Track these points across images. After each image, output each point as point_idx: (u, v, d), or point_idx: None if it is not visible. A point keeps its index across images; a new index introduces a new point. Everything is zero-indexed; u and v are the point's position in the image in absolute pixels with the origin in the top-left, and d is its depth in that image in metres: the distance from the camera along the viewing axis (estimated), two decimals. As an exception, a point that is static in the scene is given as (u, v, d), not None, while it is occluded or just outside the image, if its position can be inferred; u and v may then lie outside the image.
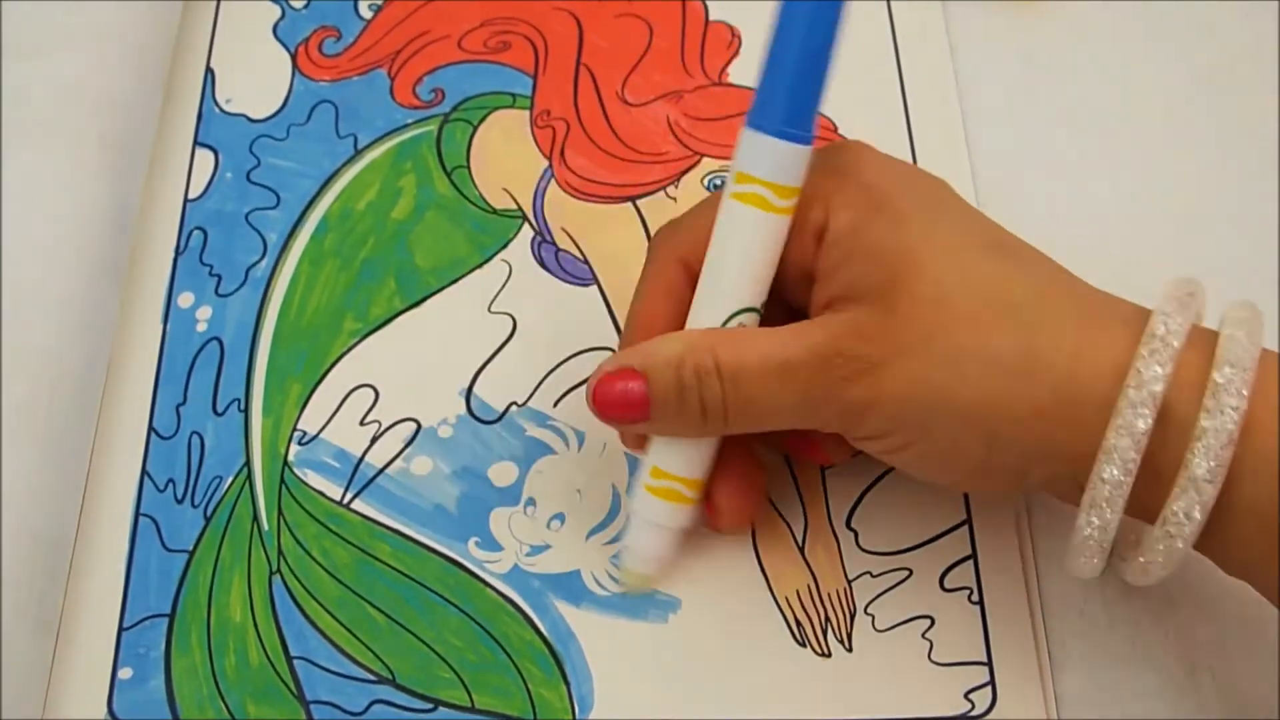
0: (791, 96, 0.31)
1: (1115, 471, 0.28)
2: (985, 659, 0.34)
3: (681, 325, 0.33)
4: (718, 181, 0.42)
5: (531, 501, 0.37)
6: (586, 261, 0.41)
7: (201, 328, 0.40)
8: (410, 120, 0.43)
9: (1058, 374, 0.29)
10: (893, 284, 0.30)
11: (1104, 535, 0.29)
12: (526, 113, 0.44)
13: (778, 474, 0.37)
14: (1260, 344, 0.29)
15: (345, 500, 0.37)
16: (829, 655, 0.35)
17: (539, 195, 0.42)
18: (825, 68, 0.31)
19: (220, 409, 0.38)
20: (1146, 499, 0.29)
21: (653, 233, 0.41)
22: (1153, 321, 0.29)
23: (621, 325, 0.39)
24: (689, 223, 0.33)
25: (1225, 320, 0.29)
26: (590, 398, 0.32)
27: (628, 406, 0.32)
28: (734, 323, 0.32)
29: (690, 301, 0.33)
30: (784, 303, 0.33)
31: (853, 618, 0.35)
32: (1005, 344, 0.29)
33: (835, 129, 0.43)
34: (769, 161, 0.31)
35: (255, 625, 0.35)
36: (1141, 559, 0.30)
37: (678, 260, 0.33)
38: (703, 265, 0.32)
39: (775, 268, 0.32)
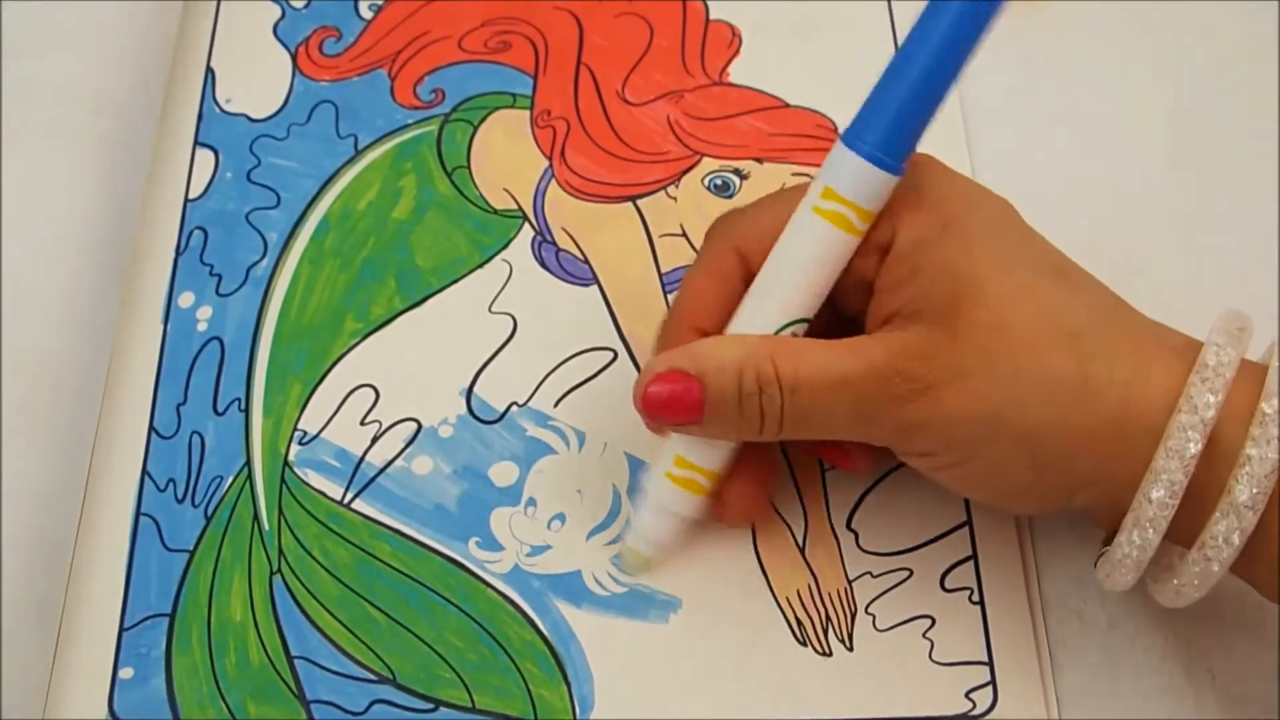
0: (897, 122, 0.30)
1: (1162, 493, 0.29)
2: (986, 658, 0.34)
3: (728, 312, 0.33)
4: (718, 181, 0.42)
5: (532, 501, 0.37)
6: (587, 261, 0.41)
7: (202, 327, 0.40)
8: (411, 120, 0.43)
9: (1111, 401, 0.29)
10: (955, 305, 0.30)
11: (1143, 555, 0.30)
12: (527, 112, 0.44)
13: (778, 475, 0.37)
14: None
15: (346, 500, 0.37)
16: (830, 655, 0.35)
17: (539, 195, 0.42)
18: (940, 99, 0.30)
19: (221, 409, 0.38)
20: (1187, 523, 0.29)
21: (653, 232, 0.41)
22: (1205, 352, 0.29)
23: (622, 324, 0.40)
24: (753, 215, 0.34)
25: (1272, 352, 0.30)
26: (639, 398, 0.32)
27: (682, 410, 0.32)
28: (787, 330, 0.32)
29: (740, 291, 0.33)
30: (832, 306, 0.33)
31: (854, 617, 0.35)
32: (1062, 370, 0.30)
33: (835, 129, 0.43)
34: (861, 185, 0.31)
35: (256, 625, 0.35)
36: (1176, 581, 0.30)
37: (735, 249, 0.33)
38: (764, 264, 0.32)
39: (832, 285, 0.32)
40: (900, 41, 0.44)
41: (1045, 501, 0.31)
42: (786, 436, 0.32)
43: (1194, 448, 0.28)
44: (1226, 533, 0.29)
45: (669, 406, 0.32)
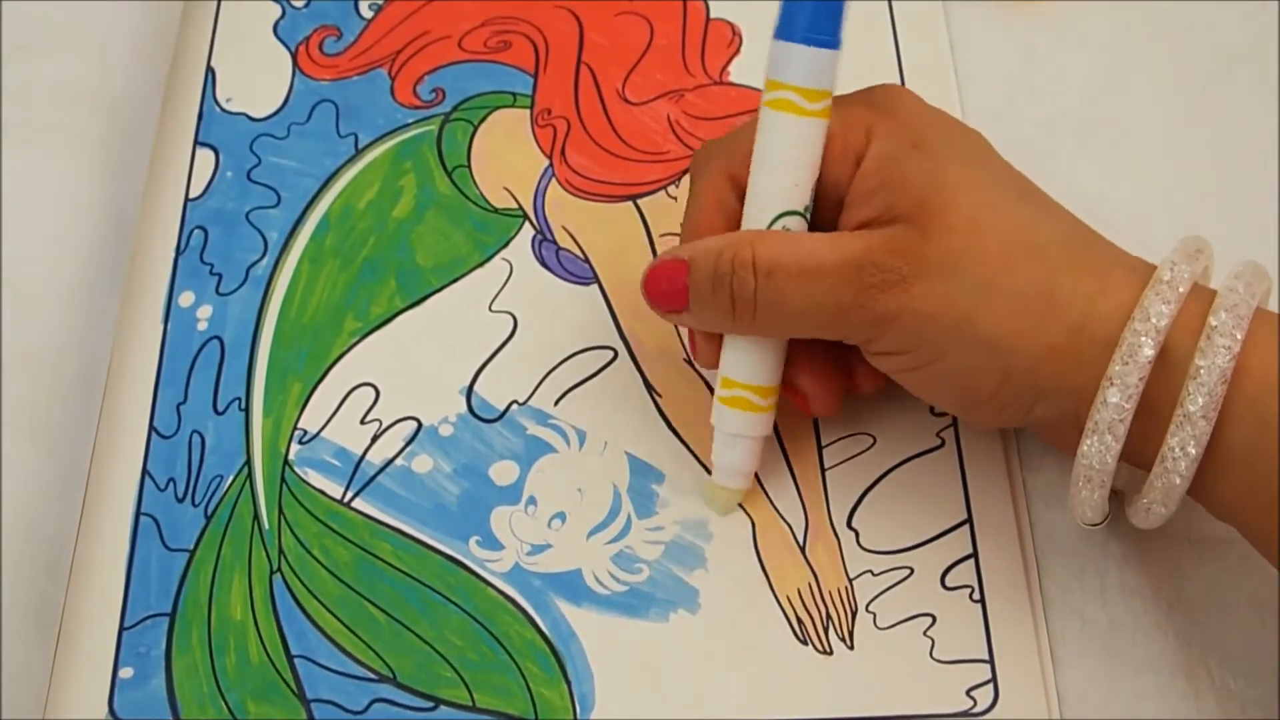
0: (814, 5, 0.32)
1: (1117, 397, 0.30)
2: (987, 656, 0.34)
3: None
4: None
5: (532, 500, 0.37)
6: (587, 260, 0.41)
7: (202, 327, 0.40)
8: (411, 119, 0.43)
9: (1074, 314, 0.31)
10: (926, 211, 0.31)
11: (1104, 464, 0.31)
12: (527, 112, 0.44)
13: (778, 475, 0.37)
14: (1258, 296, 0.30)
15: (346, 499, 0.37)
16: (831, 653, 0.35)
17: (540, 194, 0.42)
18: None
19: (221, 408, 0.38)
20: (1145, 442, 0.31)
21: (654, 231, 0.41)
22: (1161, 268, 0.31)
23: (622, 324, 0.40)
24: (732, 139, 0.34)
25: (1229, 274, 0.31)
26: (642, 285, 0.34)
27: (672, 295, 0.33)
28: (778, 224, 0.33)
29: (739, 213, 0.34)
30: (816, 225, 0.34)
31: (854, 616, 0.35)
32: (1029, 281, 0.31)
33: (836, 128, 0.43)
34: (795, 66, 0.32)
35: (256, 624, 0.35)
36: (1144, 500, 0.31)
37: (725, 175, 0.34)
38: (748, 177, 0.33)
39: (815, 172, 0.33)
40: (899, 41, 0.45)
41: (1005, 410, 0.32)
42: (762, 325, 0.33)
43: (1147, 352, 0.29)
44: (1182, 443, 0.30)
45: (662, 290, 0.33)
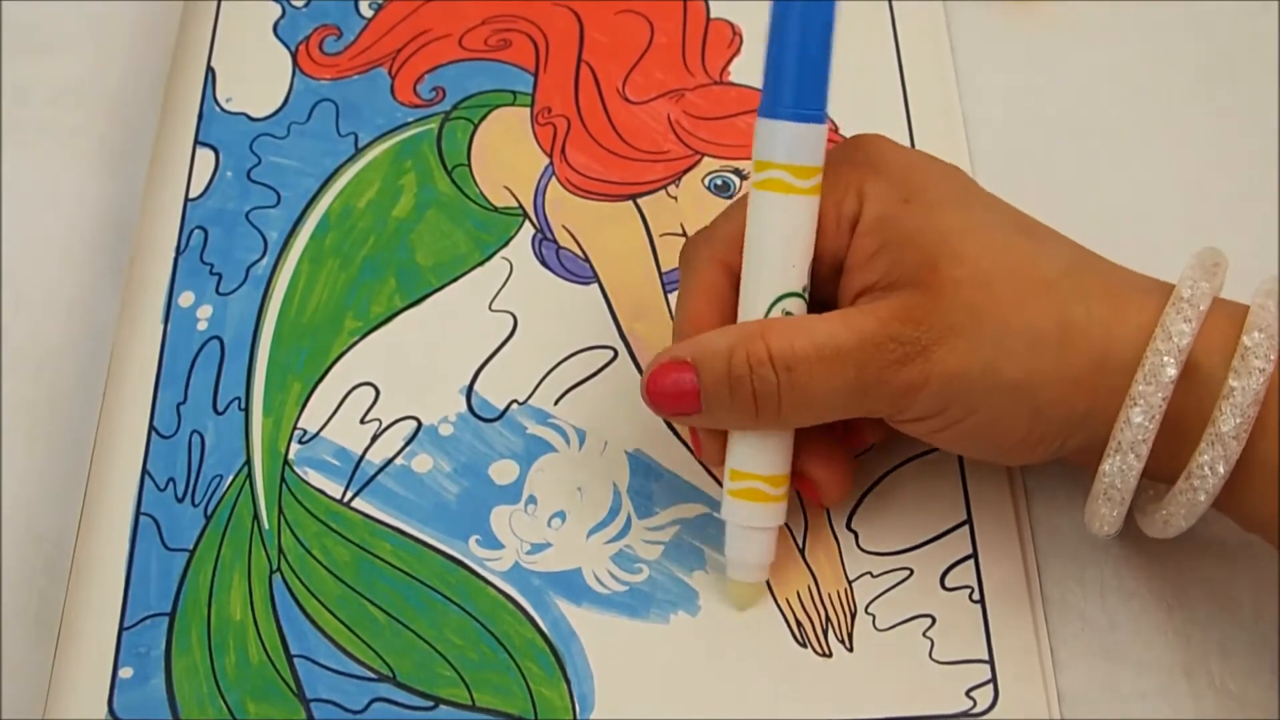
0: (797, 79, 0.31)
1: (1141, 417, 0.30)
2: (987, 657, 0.34)
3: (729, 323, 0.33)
4: (718, 181, 0.42)
5: (532, 500, 0.37)
6: (587, 259, 0.41)
7: (202, 326, 0.40)
8: (411, 118, 0.43)
9: (1093, 343, 0.30)
10: (933, 268, 0.31)
11: (1125, 482, 0.31)
12: (527, 110, 0.44)
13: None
14: None
15: (346, 498, 0.37)
16: (830, 655, 0.35)
17: (540, 193, 0.42)
18: (826, 48, 0.31)
19: (221, 408, 0.38)
20: (1170, 457, 0.30)
21: (654, 231, 0.41)
22: (1180, 285, 0.30)
23: (622, 323, 0.40)
24: (721, 225, 0.34)
25: (1257, 291, 0.31)
26: (644, 390, 0.32)
27: (680, 398, 0.32)
28: (777, 308, 0.32)
29: (734, 300, 0.33)
30: (816, 295, 0.33)
31: (853, 618, 0.35)
32: (1045, 320, 0.30)
33: (836, 129, 0.43)
34: (783, 144, 0.31)
35: (255, 624, 0.35)
36: (1164, 511, 0.31)
37: (718, 263, 0.33)
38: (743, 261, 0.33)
39: (810, 250, 0.32)
40: (899, 41, 0.45)
41: (1039, 448, 0.32)
42: (787, 419, 0.32)
43: (1170, 371, 0.29)
44: (1212, 462, 0.29)
45: (669, 396, 0.32)
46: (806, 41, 0.31)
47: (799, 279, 0.32)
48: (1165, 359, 0.29)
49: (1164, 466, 0.31)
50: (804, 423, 0.33)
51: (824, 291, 0.33)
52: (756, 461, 0.33)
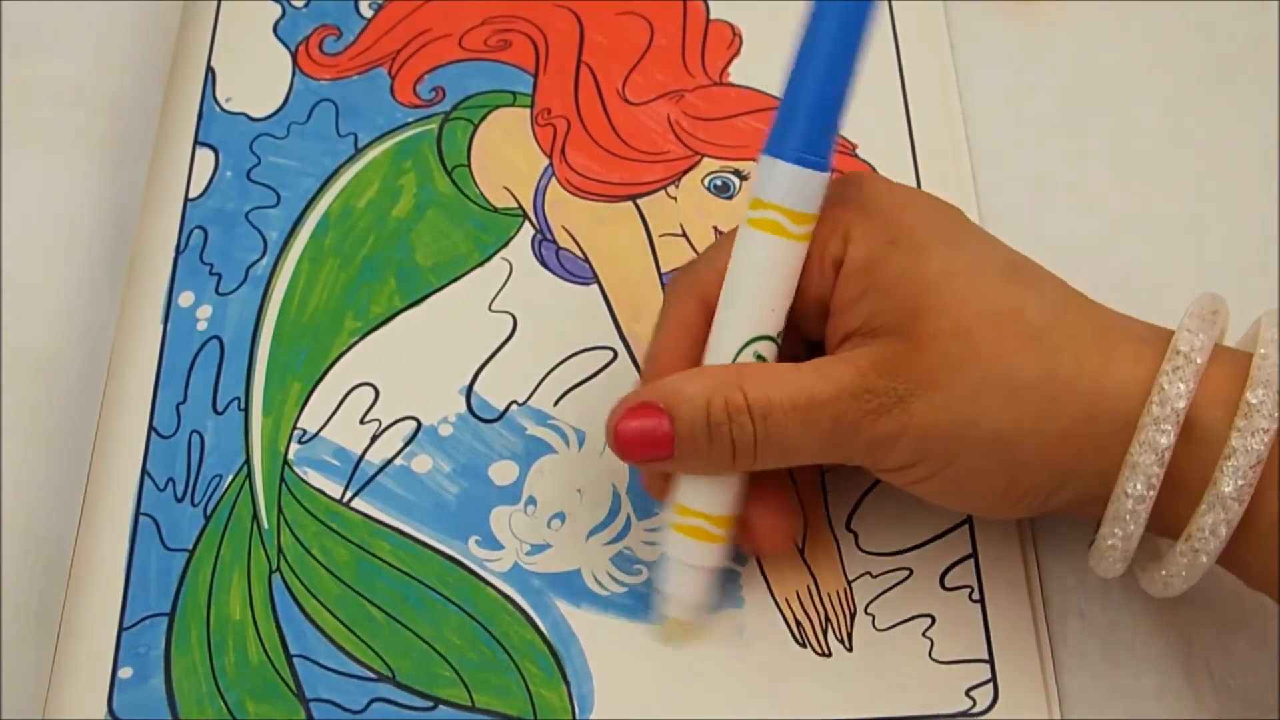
0: (809, 124, 0.31)
1: (1139, 486, 0.29)
2: (986, 656, 0.34)
3: (699, 362, 0.32)
4: (718, 182, 0.42)
5: (532, 500, 0.37)
6: (587, 260, 0.41)
7: (202, 326, 0.40)
8: (411, 119, 0.43)
9: (1081, 396, 0.29)
10: (914, 317, 0.30)
11: (1127, 546, 0.30)
12: (527, 111, 0.44)
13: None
14: None
15: (345, 498, 0.37)
16: (829, 655, 0.35)
17: (539, 193, 0.42)
18: (844, 96, 0.31)
19: (220, 408, 0.38)
20: (1171, 513, 0.29)
21: (653, 231, 0.41)
22: (1177, 338, 0.29)
23: (622, 323, 0.40)
24: (704, 261, 0.33)
25: (1260, 339, 0.29)
26: (611, 435, 0.32)
27: (652, 445, 0.31)
28: (749, 350, 0.31)
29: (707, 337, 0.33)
30: (799, 334, 0.33)
31: (853, 617, 0.35)
32: (1028, 370, 0.29)
33: (836, 128, 0.43)
34: (785, 187, 0.31)
35: (255, 624, 0.35)
36: (1163, 572, 0.30)
37: (695, 298, 0.33)
38: (720, 295, 0.32)
39: (791, 296, 0.32)
40: (899, 41, 0.45)
41: (1022, 502, 0.31)
42: (761, 465, 0.32)
43: (1166, 440, 0.28)
44: (1213, 525, 0.29)
45: (639, 443, 0.31)
46: (826, 87, 0.30)
47: (775, 324, 0.32)
48: (1162, 426, 0.28)
49: (1166, 521, 0.30)
50: (779, 466, 0.32)
51: (814, 332, 0.33)
52: (706, 501, 0.33)
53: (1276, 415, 0.28)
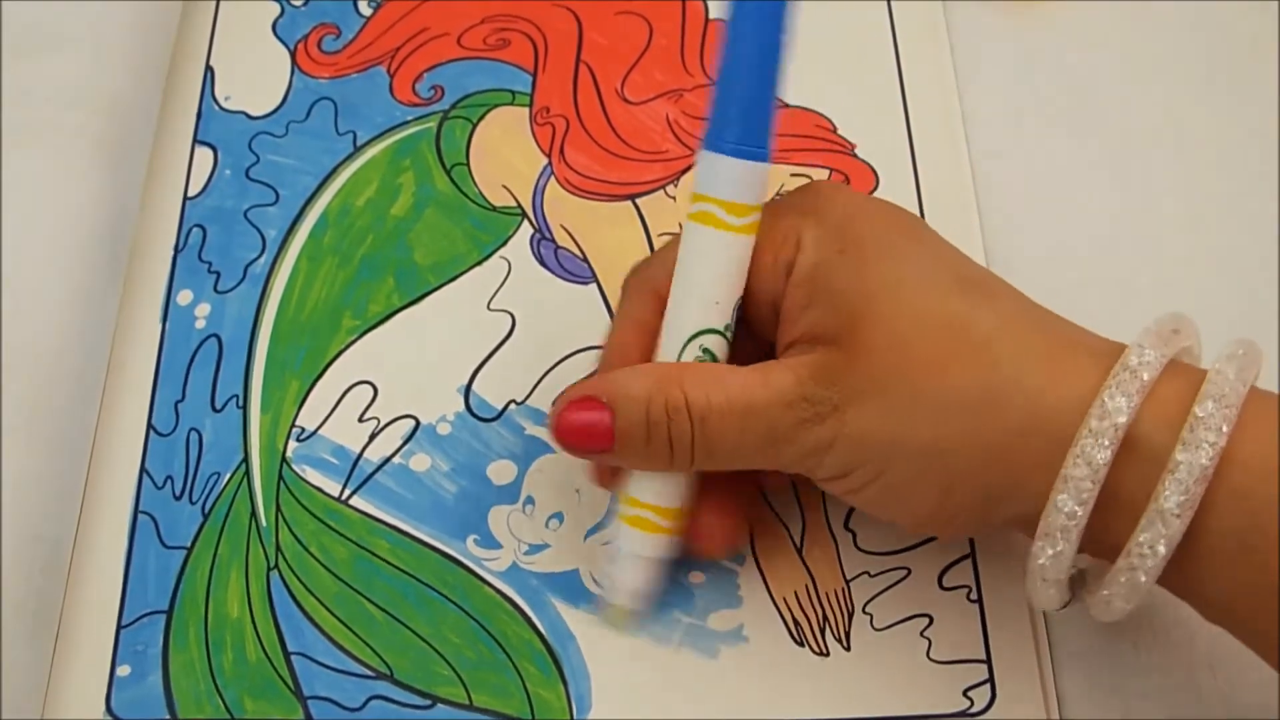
0: (742, 116, 0.31)
1: (1070, 502, 0.28)
2: (984, 656, 0.34)
3: (651, 358, 0.33)
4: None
5: (530, 500, 0.37)
6: (586, 259, 0.41)
7: (200, 325, 0.40)
8: (409, 117, 0.43)
9: (1020, 410, 0.29)
10: (853, 327, 0.30)
11: (1058, 567, 0.29)
12: (526, 110, 0.44)
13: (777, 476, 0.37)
14: (1250, 382, 0.28)
15: (344, 496, 0.37)
16: (827, 654, 0.35)
17: (538, 193, 0.42)
18: (772, 88, 0.31)
19: (219, 406, 0.38)
20: (1115, 534, 0.28)
21: (652, 231, 0.41)
22: (1127, 354, 0.28)
23: (620, 323, 0.39)
24: (660, 255, 0.33)
25: (1219, 356, 0.29)
26: (552, 425, 0.32)
27: (591, 437, 0.31)
28: (694, 344, 0.31)
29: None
30: (755, 338, 0.33)
31: (851, 617, 0.35)
32: (964, 384, 0.29)
33: (834, 129, 0.43)
34: (721, 180, 0.31)
35: (253, 621, 0.35)
36: (1104, 591, 0.29)
37: (650, 292, 0.33)
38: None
39: (738, 289, 0.32)
40: (899, 41, 0.45)
41: (957, 519, 0.31)
42: (701, 466, 0.32)
43: (1104, 455, 0.27)
44: (1152, 541, 0.27)
45: (579, 435, 0.31)
46: (755, 77, 0.30)
47: (721, 317, 0.32)
48: (1100, 440, 0.27)
49: (1106, 543, 0.29)
50: (716, 469, 0.32)
51: (767, 337, 0.33)
52: (654, 493, 0.33)
53: (1225, 431, 0.27)
